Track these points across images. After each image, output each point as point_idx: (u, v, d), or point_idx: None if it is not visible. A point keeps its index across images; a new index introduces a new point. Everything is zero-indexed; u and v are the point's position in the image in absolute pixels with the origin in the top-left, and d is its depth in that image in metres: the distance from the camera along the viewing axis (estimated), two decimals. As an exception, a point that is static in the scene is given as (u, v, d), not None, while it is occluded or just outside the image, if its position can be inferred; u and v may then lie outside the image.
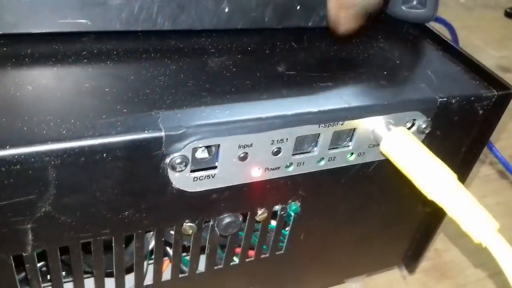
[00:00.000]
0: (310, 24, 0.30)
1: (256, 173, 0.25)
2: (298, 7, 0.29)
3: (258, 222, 0.28)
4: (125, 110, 0.22)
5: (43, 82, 0.23)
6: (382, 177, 0.29)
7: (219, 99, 0.24)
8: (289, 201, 0.28)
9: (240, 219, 0.27)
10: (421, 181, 0.24)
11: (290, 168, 0.26)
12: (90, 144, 0.20)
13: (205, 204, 0.25)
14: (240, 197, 0.26)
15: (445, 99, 0.27)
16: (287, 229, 0.30)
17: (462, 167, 0.32)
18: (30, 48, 0.25)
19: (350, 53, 0.30)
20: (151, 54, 0.26)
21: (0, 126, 0.20)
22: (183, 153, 0.22)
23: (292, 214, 0.28)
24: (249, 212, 0.27)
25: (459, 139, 0.30)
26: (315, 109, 0.24)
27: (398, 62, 0.30)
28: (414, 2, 0.32)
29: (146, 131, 0.21)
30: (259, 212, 0.27)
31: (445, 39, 0.33)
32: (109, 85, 0.24)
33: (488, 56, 0.75)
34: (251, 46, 0.29)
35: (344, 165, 0.27)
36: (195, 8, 0.27)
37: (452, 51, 0.32)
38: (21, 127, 0.20)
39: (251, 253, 0.30)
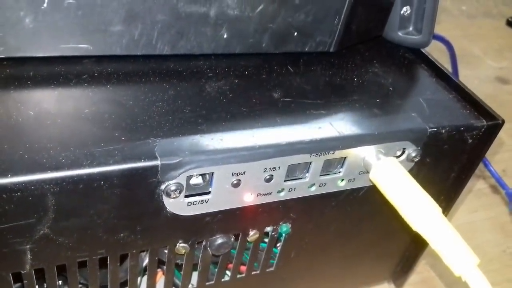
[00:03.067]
0: (306, 49, 0.31)
1: (249, 198, 0.26)
2: (295, 34, 0.30)
3: (249, 242, 0.29)
4: (123, 138, 0.23)
5: (45, 107, 0.24)
6: (372, 201, 0.30)
7: (215, 127, 0.25)
8: (280, 223, 0.29)
9: (232, 239, 0.28)
10: (407, 213, 0.25)
11: (282, 194, 0.27)
12: (88, 173, 0.21)
13: (198, 226, 0.26)
14: (233, 219, 0.27)
15: (435, 129, 0.28)
16: (278, 246, 0.31)
17: (451, 191, 0.33)
18: (32, 70, 0.26)
19: (345, 79, 0.31)
20: (150, 77, 0.27)
21: (3, 153, 0.21)
22: (178, 181, 0.23)
23: (283, 234, 0.29)
24: (241, 233, 0.28)
25: (448, 166, 0.31)
26: (307, 139, 0.25)
27: (391, 89, 0.31)
28: (410, 29, 0.33)
29: (142, 160, 0.22)
30: (251, 233, 0.28)
31: (439, 66, 0.33)
32: (108, 111, 0.24)
33: (487, 67, 0.75)
34: (249, 70, 0.30)
35: (335, 190, 0.28)
36: (194, 34, 0.27)
37: (446, 79, 0.33)
38: (22, 155, 0.21)
39: (243, 268, 0.31)
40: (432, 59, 0.34)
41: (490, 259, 0.47)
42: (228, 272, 0.31)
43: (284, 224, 0.29)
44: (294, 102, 0.28)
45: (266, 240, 0.30)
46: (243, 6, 0.27)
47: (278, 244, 0.31)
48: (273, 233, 0.29)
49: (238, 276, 0.31)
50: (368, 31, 0.33)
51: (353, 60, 0.33)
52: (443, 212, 0.33)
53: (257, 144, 0.24)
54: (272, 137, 0.25)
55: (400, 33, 0.33)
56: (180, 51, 0.28)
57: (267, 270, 0.31)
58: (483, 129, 0.30)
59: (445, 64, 0.61)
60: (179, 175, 0.23)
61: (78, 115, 0.24)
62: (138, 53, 0.27)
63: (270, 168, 0.25)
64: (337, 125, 0.26)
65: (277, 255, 0.31)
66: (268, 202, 0.27)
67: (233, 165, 0.24)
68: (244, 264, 0.31)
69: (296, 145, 0.25)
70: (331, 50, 0.31)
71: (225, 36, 0.28)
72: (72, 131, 0.23)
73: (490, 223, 0.50)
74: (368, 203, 0.30)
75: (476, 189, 0.55)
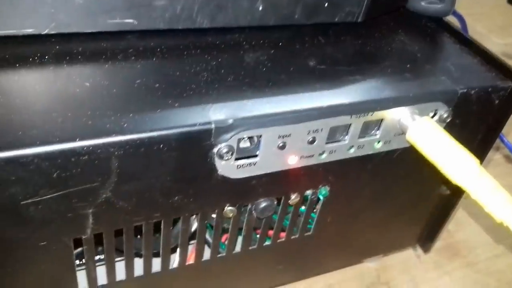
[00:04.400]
0: (336, 19, 0.32)
1: (293, 161, 0.27)
2: (326, 4, 0.31)
3: (290, 205, 0.30)
4: (176, 104, 0.24)
5: (98, 79, 0.25)
6: (406, 162, 0.31)
7: (259, 93, 0.26)
8: (320, 186, 0.30)
9: (275, 203, 0.29)
10: (446, 167, 0.26)
11: (323, 156, 0.28)
12: (149, 136, 0.22)
13: (245, 190, 0.27)
14: (277, 182, 0.28)
15: (465, 90, 0.29)
16: (315, 210, 0.32)
17: (478, 152, 0.34)
18: (81, 46, 0.27)
19: (374, 47, 0.32)
20: (192, 51, 0.28)
21: (68, 120, 0.22)
22: (230, 143, 0.24)
23: (322, 198, 0.30)
24: (283, 197, 0.29)
25: (476, 127, 0.33)
26: (347, 101, 0.26)
27: (419, 55, 0.32)
28: (433, -3, 0.34)
29: (198, 124, 0.23)
30: (293, 196, 0.29)
31: (462, 32, 0.34)
32: (158, 81, 0.25)
33: (493, 44, 0.77)
34: (282, 41, 0.31)
35: (371, 152, 0.29)
36: (231, 7, 0.28)
37: (469, 44, 0.34)
38: (86, 121, 0.22)
39: (282, 234, 0.32)
40: (454, 27, 0.35)
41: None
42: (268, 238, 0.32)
43: (323, 188, 0.30)
44: (329, 69, 0.29)
45: (304, 205, 0.31)
46: (278, -22, 0.28)
47: (315, 211, 0.32)
48: (312, 197, 0.30)
49: (279, 241, 0.32)
50: (394, 1, 0.34)
51: (380, 30, 0.34)
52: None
53: (301, 107, 0.25)
54: (314, 101, 0.26)
55: (423, 3, 0.34)
56: (218, 24, 0.29)
57: (305, 234, 0.33)
58: (509, 90, 0.31)
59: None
60: (231, 137, 0.24)
61: (131, 85, 0.25)
62: (180, 27, 0.28)
63: (313, 130, 0.26)
64: (373, 88, 0.28)
65: (315, 219, 0.32)
66: (310, 165, 0.28)
67: (279, 128, 0.25)
68: (283, 230, 0.32)
69: (337, 108, 0.26)
70: (359, 20, 0.32)
71: (260, 8, 0.29)
72: (128, 99, 0.24)
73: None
74: (401, 165, 0.31)
75: (489, 158, 0.56)
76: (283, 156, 0.26)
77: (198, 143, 0.24)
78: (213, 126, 0.23)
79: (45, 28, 0.25)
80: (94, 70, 0.25)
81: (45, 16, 0.25)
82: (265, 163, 0.26)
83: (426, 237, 0.40)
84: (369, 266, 0.42)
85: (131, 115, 0.23)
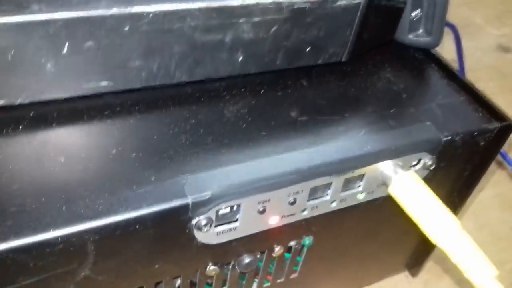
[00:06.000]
0: (319, 62, 0.31)
1: (274, 221, 0.27)
2: (308, 49, 0.30)
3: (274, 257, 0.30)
4: (152, 178, 0.24)
5: (73, 151, 0.24)
6: (390, 207, 0.31)
7: (239, 157, 0.25)
8: (303, 237, 0.30)
9: (258, 256, 0.29)
10: (427, 227, 0.26)
11: (305, 212, 0.28)
12: (124, 219, 0.22)
13: (226, 250, 0.27)
14: (259, 240, 0.28)
15: (450, 137, 0.29)
16: (301, 254, 0.32)
17: (464, 188, 0.34)
18: (56, 111, 0.26)
19: (358, 88, 0.31)
20: (170, 106, 0.28)
21: (42, 206, 0.22)
22: (208, 215, 0.24)
23: (306, 246, 0.30)
24: (266, 250, 0.29)
25: (461, 166, 0.32)
26: (328, 161, 0.26)
27: (404, 96, 0.31)
28: (420, 31, 0.33)
29: (174, 200, 0.23)
30: (276, 249, 0.29)
31: (448, 66, 0.34)
32: (135, 148, 0.25)
33: (489, 36, 0.75)
34: (264, 88, 0.30)
35: (354, 203, 0.29)
36: (210, 60, 0.28)
37: (455, 79, 0.33)
38: (60, 207, 0.22)
39: (268, 277, 0.32)
40: (441, 58, 0.34)
41: (499, 238, 0.48)
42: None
43: (306, 237, 0.30)
44: (311, 120, 0.28)
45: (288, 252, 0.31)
46: (257, 29, 0.27)
47: (301, 254, 0.32)
48: (296, 246, 0.30)
49: (264, 285, 0.32)
50: (379, 38, 0.33)
51: (365, 67, 0.33)
52: (457, 207, 0.34)
53: (280, 172, 0.25)
54: (294, 163, 0.26)
55: (410, 36, 0.33)
56: (197, 78, 0.28)
57: (291, 277, 0.33)
58: (495, 131, 0.30)
59: (450, 42, 0.61)
60: (209, 210, 0.24)
61: (107, 157, 0.24)
62: (157, 84, 0.27)
63: (293, 193, 0.26)
64: (355, 143, 0.27)
65: (300, 263, 0.32)
66: (292, 222, 0.28)
67: (259, 195, 0.25)
68: (269, 274, 0.32)
69: (318, 169, 0.26)
70: (343, 59, 0.32)
71: (240, 59, 0.28)
72: (104, 175, 0.24)
73: (497, 201, 0.52)
74: (385, 209, 0.31)
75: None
76: (263, 218, 0.26)
77: (176, 219, 0.23)
78: (190, 201, 0.23)
79: (16, 98, 0.25)
80: (69, 139, 0.25)
81: (16, 87, 0.24)
82: (246, 227, 0.26)
83: (414, 263, 0.41)
84: None
85: (106, 195, 0.23)
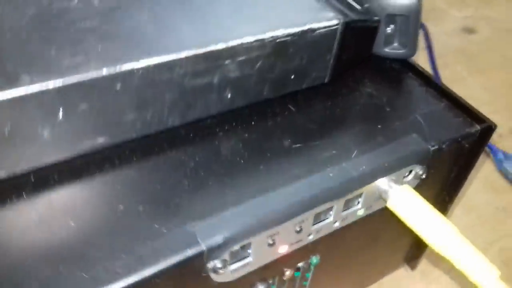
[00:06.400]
0: (303, 86, 0.32)
1: (283, 250, 0.28)
2: (293, 76, 0.31)
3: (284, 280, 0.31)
4: (164, 230, 0.24)
5: (81, 212, 0.25)
6: (387, 216, 0.32)
7: (243, 194, 0.26)
8: (311, 257, 0.31)
9: (270, 282, 0.30)
10: (427, 239, 0.27)
11: (311, 236, 0.29)
12: (144, 277, 0.23)
13: (241, 283, 0.28)
14: (270, 268, 0.29)
15: (437, 146, 0.30)
16: (309, 272, 0.33)
17: (452, 187, 0.36)
18: (57, 172, 0.26)
19: (343, 108, 0.32)
20: (167, 152, 0.28)
21: (62, 277, 0.22)
22: (223, 257, 0.25)
23: (313, 265, 0.32)
24: (277, 276, 0.30)
25: (449, 169, 0.34)
26: (329, 187, 0.27)
27: (388, 109, 0.32)
28: (395, 44, 0.34)
29: (189, 249, 0.24)
30: (286, 273, 0.30)
31: (425, 73, 0.35)
32: (141, 201, 0.26)
33: (453, 19, 0.77)
34: (254, 119, 0.31)
35: (355, 219, 0.30)
36: (200, 103, 0.28)
37: (434, 86, 0.34)
38: (80, 275, 0.22)
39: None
40: (417, 66, 0.36)
41: (486, 220, 0.51)
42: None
43: (314, 257, 0.31)
44: (305, 147, 0.29)
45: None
46: (243, 67, 0.28)
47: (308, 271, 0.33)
48: (304, 266, 0.31)
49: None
50: (358, 56, 0.34)
51: (347, 84, 0.34)
52: (448, 205, 0.36)
53: (286, 205, 0.26)
54: (298, 194, 0.27)
55: (386, 49, 0.34)
56: (189, 120, 0.29)
57: (301, 292, 0.34)
58: (477, 134, 0.32)
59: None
60: (223, 253, 0.25)
61: (116, 214, 0.25)
62: (152, 132, 0.28)
63: (299, 222, 0.27)
64: (350, 165, 0.28)
65: (309, 279, 0.33)
66: (299, 247, 0.29)
67: (268, 230, 0.26)
68: (280, 293, 0.33)
69: (320, 196, 0.27)
70: (326, 81, 0.33)
71: (229, 96, 0.29)
72: (116, 233, 0.24)
73: (482, 184, 0.54)
74: (383, 218, 0.33)
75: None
76: (274, 249, 0.27)
77: (192, 266, 0.24)
78: (204, 248, 0.24)
79: (16, 168, 0.25)
80: (75, 200, 0.25)
81: (14, 157, 0.25)
82: (258, 260, 0.27)
83: (412, 257, 0.42)
84: None
85: (122, 255, 0.23)
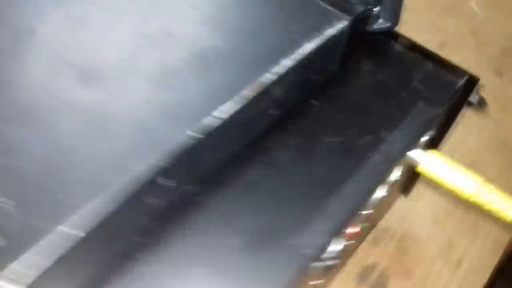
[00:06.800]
0: (321, 81, 0.35)
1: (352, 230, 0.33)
2: (314, 76, 0.34)
3: None
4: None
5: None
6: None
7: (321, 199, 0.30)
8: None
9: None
10: (460, 191, 0.34)
11: (368, 211, 0.34)
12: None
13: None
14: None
15: (441, 109, 0.36)
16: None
17: (443, 130, 0.42)
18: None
19: (357, 91, 0.36)
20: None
21: None
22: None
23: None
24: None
25: (443, 119, 0.40)
26: (378, 174, 0.32)
27: (392, 83, 0.37)
28: (381, 20, 0.38)
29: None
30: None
31: (408, 39, 0.40)
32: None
33: None
34: (289, 122, 0.34)
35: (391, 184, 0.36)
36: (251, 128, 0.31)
37: (418, 50, 0.39)
38: None
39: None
40: (399, 34, 0.40)
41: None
42: None
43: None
44: (344, 138, 0.33)
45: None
46: (284, 87, 0.31)
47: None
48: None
49: None
50: (360, 40, 0.37)
51: (350, 67, 0.38)
52: (439, 143, 0.43)
53: (356, 202, 0.31)
54: (361, 188, 0.31)
55: (374, 26, 0.38)
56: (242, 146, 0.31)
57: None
58: (464, 82, 0.38)
59: None
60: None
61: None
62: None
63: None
64: (388, 148, 0.33)
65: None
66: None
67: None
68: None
69: (376, 184, 0.32)
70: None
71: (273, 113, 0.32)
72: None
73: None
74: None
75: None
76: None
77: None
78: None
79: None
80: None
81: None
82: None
83: (406, 189, 0.49)
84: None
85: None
